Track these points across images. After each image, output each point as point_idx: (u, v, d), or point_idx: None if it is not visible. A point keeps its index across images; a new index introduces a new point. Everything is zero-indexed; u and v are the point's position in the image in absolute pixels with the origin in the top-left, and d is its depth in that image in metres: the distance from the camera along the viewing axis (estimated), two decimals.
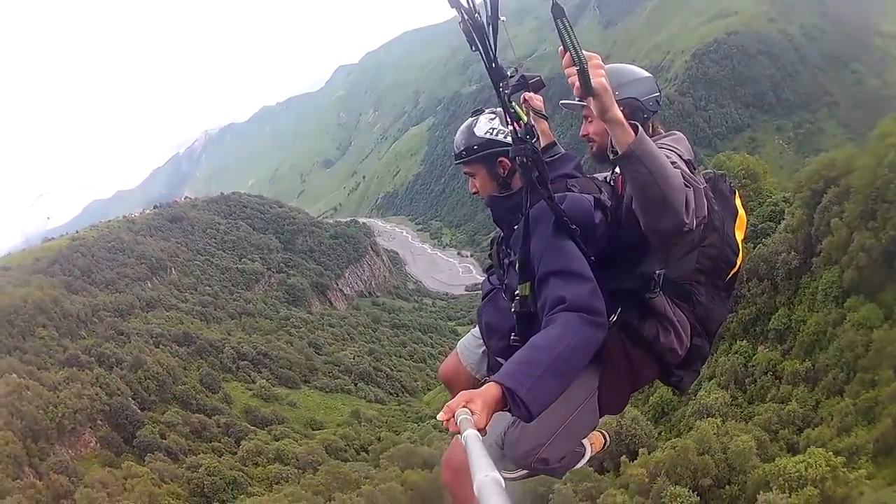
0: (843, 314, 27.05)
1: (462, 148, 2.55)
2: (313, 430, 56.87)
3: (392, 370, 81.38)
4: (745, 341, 31.18)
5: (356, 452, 48.86)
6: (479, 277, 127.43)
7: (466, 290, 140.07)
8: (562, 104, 2.78)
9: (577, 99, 2.37)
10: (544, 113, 2.88)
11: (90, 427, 41.98)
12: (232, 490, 38.02)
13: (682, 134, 2.60)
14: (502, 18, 1.97)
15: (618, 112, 1.97)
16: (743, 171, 37.63)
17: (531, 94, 2.69)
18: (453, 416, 1.64)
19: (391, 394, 75.13)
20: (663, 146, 2.34)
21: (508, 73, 2.16)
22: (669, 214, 2.05)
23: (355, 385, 72.31)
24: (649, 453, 21.86)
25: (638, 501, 18.23)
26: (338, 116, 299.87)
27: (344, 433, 51.52)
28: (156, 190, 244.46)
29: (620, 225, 2.40)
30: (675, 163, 2.18)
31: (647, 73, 2.73)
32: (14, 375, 40.85)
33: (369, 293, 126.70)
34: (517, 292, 2.37)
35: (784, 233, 32.17)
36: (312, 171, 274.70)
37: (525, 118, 2.28)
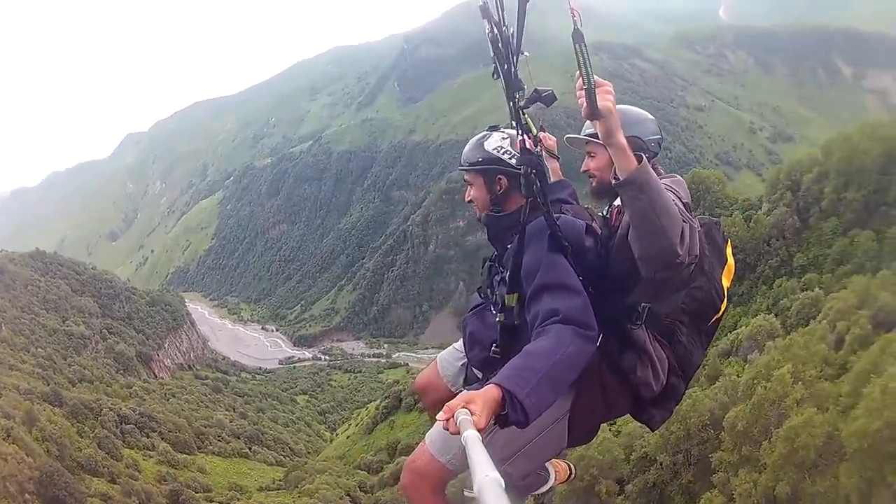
0: (850, 239, 37.39)
1: (467, 157, 2.63)
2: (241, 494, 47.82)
3: (274, 433, 72.98)
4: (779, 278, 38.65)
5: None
6: (290, 351, 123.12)
7: (280, 364, 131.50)
8: (567, 139, 2.90)
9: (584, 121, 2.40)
10: (556, 154, 3.05)
11: (22, 501, 29.61)
12: None
13: (681, 178, 2.61)
14: (525, 54, 2.16)
15: (622, 138, 2.03)
16: (716, 179, 48.41)
17: (546, 134, 2.92)
18: (453, 416, 1.62)
19: (285, 456, 66.83)
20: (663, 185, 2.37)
21: (524, 86, 2.23)
22: (664, 244, 2.07)
23: (251, 449, 63.11)
24: None
25: None
26: (125, 186, 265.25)
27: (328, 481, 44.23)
28: None
29: (610, 255, 2.43)
30: (673, 200, 2.17)
31: (650, 116, 2.78)
32: None
33: (189, 366, 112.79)
34: (504, 303, 2.43)
35: (782, 207, 42.37)
36: (98, 242, 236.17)
37: (535, 131, 2.35)
